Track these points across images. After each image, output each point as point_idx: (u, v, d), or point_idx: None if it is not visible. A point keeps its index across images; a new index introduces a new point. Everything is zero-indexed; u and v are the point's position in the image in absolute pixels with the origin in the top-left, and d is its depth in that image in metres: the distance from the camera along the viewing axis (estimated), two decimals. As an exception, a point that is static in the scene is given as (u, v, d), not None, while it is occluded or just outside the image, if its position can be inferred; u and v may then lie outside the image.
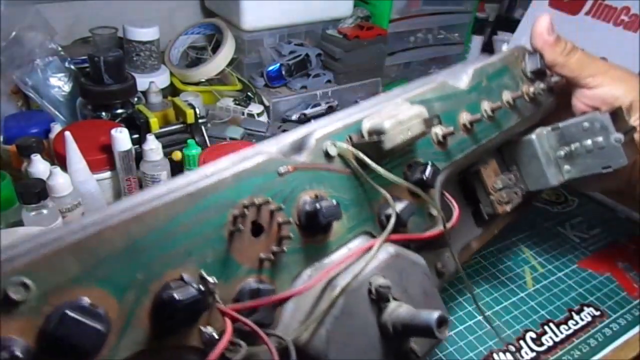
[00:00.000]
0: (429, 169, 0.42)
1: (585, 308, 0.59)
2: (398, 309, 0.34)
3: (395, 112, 0.39)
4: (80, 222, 0.27)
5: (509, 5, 1.28)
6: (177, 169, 0.71)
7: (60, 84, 0.81)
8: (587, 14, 0.89)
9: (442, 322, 0.32)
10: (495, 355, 0.52)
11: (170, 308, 0.27)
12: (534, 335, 0.55)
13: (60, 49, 0.83)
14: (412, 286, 0.38)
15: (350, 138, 0.39)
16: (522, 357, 0.53)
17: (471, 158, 0.50)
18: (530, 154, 0.55)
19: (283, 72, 0.96)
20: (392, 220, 0.38)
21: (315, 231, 0.35)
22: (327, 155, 0.37)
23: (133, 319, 0.27)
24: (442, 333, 0.32)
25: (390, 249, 0.38)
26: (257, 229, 0.33)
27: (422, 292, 0.38)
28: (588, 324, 0.57)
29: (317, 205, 0.34)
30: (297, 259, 0.35)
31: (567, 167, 0.54)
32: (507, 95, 0.53)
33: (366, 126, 0.39)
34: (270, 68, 0.96)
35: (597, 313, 0.58)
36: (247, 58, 1.00)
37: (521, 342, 0.54)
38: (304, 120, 0.93)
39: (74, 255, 0.25)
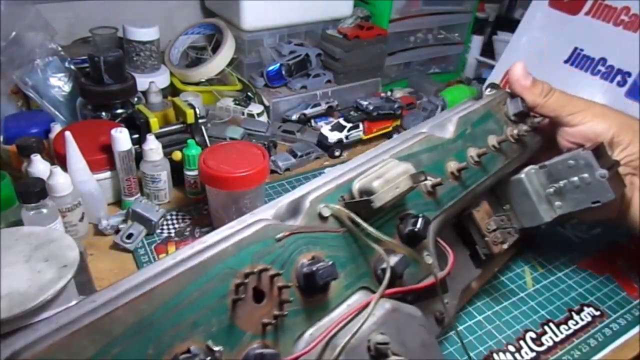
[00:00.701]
0: (420, 221, 0.43)
1: (585, 308, 0.59)
2: None
3: (383, 171, 0.42)
4: (94, 302, 0.29)
5: (509, 5, 1.28)
6: (177, 169, 0.71)
7: (60, 84, 0.81)
8: (587, 14, 0.89)
9: None
10: (495, 355, 0.52)
11: None
12: (534, 335, 0.55)
13: (60, 49, 0.83)
14: (410, 339, 0.39)
15: (343, 198, 0.41)
16: (522, 357, 0.53)
17: (463, 203, 0.52)
18: (522, 193, 0.58)
19: (283, 72, 0.96)
20: (387, 276, 0.39)
21: (314, 292, 0.37)
22: (321, 217, 0.39)
23: None
24: None
25: (387, 304, 0.39)
26: (258, 295, 0.34)
27: (419, 343, 0.39)
28: (588, 324, 0.57)
29: (314, 268, 0.35)
30: (299, 320, 0.36)
31: (558, 203, 0.56)
32: (492, 140, 0.56)
33: (356, 187, 0.41)
34: (270, 68, 0.96)
35: (597, 313, 0.58)
36: (247, 58, 1.00)
37: (521, 342, 0.54)
38: (304, 120, 0.93)
39: (89, 336, 0.27)
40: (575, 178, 0.54)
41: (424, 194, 0.48)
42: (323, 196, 0.40)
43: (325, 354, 0.35)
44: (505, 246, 0.54)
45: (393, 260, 0.41)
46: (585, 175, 0.53)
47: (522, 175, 0.57)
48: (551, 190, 0.56)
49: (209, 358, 0.30)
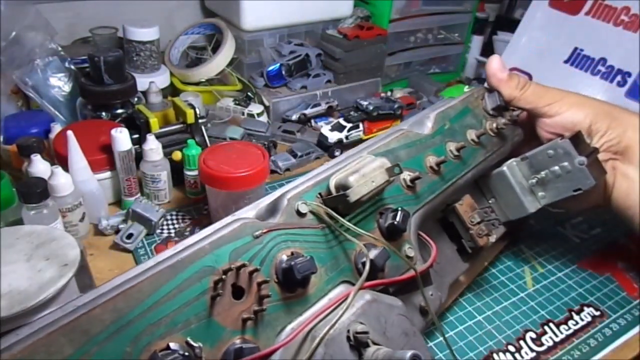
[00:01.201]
0: (399, 214, 0.44)
1: (585, 308, 0.59)
2: (377, 352, 0.36)
3: (359, 166, 0.43)
4: (75, 304, 0.30)
5: (509, 5, 1.28)
6: (177, 169, 0.71)
7: (60, 84, 0.81)
8: (587, 14, 0.89)
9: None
10: (495, 356, 0.52)
11: None
12: (534, 336, 0.55)
13: (60, 49, 0.83)
14: (391, 328, 0.39)
15: (320, 195, 0.42)
16: (522, 357, 0.53)
17: (445, 197, 0.53)
18: (505, 185, 0.58)
19: (283, 72, 0.96)
20: (367, 268, 0.40)
21: (293, 287, 0.38)
22: (299, 213, 0.40)
23: None
24: None
25: (367, 295, 0.40)
26: (238, 292, 0.35)
27: (401, 333, 0.40)
28: (588, 324, 0.57)
29: (292, 262, 0.36)
30: (279, 315, 0.37)
31: (541, 193, 0.57)
32: (471, 134, 0.57)
33: (333, 182, 0.42)
34: (270, 68, 0.96)
35: (597, 313, 0.58)
36: (247, 58, 1.00)
37: (521, 342, 0.54)
38: (304, 120, 0.93)
39: (67, 336, 0.28)
40: (556, 167, 0.55)
41: (404, 188, 0.49)
42: (301, 193, 0.41)
43: (305, 345, 0.36)
44: (492, 239, 0.55)
45: (373, 253, 0.42)
46: (565, 163, 0.54)
47: (504, 167, 0.58)
48: (533, 181, 0.57)
49: (187, 354, 0.30)
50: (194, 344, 0.31)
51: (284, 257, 0.37)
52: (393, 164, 0.43)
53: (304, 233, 0.40)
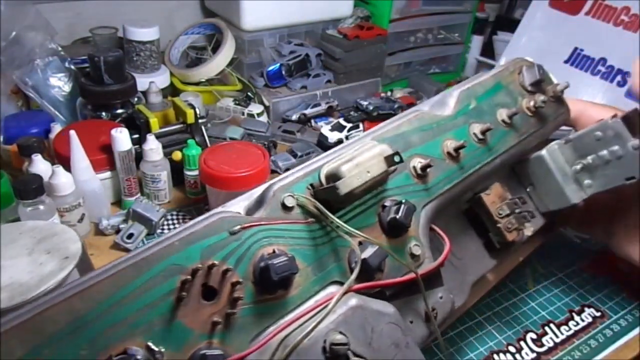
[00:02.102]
0: (402, 208, 0.38)
1: (586, 309, 0.59)
2: None
3: (356, 154, 0.37)
4: (33, 304, 0.28)
5: (509, 5, 1.28)
6: (177, 169, 0.71)
7: (60, 84, 0.81)
8: (587, 14, 0.89)
9: None
10: (495, 356, 0.52)
11: None
12: (534, 336, 0.55)
13: (60, 49, 0.83)
14: (379, 339, 0.35)
15: (312, 186, 0.37)
16: (523, 357, 0.53)
17: (465, 186, 0.45)
18: (545, 171, 0.51)
19: (283, 72, 0.96)
20: (357, 268, 0.35)
21: (272, 288, 0.34)
22: (285, 207, 0.35)
23: None
24: None
25: (352, 300, 0.35)
26: (209, 292, 0.32)
27: (391, 343, 0.35)
28: (589, 325, 0.57)
29: (269, 262, 0.32)
30: (255, 318, 0.33)
31: (587, 181, 0.50)
32: (502, 114, 0.49)
33: (324, 172, 0.37)
34: (270, 68, 0.96)
35: (598, 314, 0.58)
36: (247, 58, 1.00)
37: (522, 342, 0.54)
38: (304, 120, 0.93)
39: (19, 337, 0.27)
40: (605, 152, 0.48)
41: (413, 177, 0.42)
42: (289, 185, 0.37)
43: (277, 353, 0.32)
44: (528, 232, 0.49)
45: (368, 251, 0.36)
46: (616, 147, 0.47)
47: (544, 151, 0.51)
48: (578, 167, 0.50)
49: (147, 359, 0.29)
50: (155, 349, 0.29)
51: (264, 255, 0.33)
52: (406, 151, 0.38)
53: (289, 229, 0.35)
